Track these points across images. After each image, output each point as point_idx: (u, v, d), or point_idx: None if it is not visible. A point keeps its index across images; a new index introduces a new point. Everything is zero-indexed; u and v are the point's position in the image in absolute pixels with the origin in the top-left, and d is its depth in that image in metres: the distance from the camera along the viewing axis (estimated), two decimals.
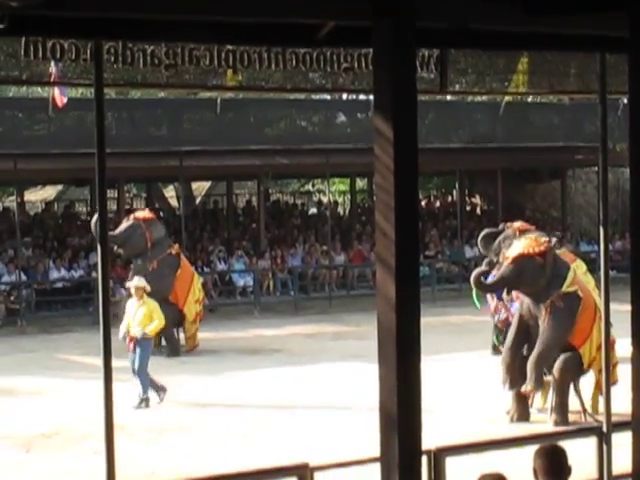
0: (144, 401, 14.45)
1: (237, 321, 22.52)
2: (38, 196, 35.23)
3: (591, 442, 7.60)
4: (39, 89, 29.34)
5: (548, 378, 13.12)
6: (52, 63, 6.07)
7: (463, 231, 28.56)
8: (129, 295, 15.80)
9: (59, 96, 20.19)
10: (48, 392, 15.45)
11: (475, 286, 13.88)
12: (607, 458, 7.46)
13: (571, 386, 13.11)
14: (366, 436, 8.62)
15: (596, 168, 24.29)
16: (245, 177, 31.98)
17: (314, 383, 15.74)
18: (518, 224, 16.00)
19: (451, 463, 6.98)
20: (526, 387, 12.99)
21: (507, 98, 27.31)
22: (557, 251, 14.16)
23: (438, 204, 34.30)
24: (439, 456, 6.88)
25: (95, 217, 16.61)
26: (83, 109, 23.81)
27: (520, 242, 13.71)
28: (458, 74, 7.15)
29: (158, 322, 14.99)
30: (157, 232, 19.72)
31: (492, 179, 30.07)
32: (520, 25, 6.15)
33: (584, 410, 13.02)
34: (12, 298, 23.16)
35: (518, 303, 13.79)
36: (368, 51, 6.55)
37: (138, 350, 14.56)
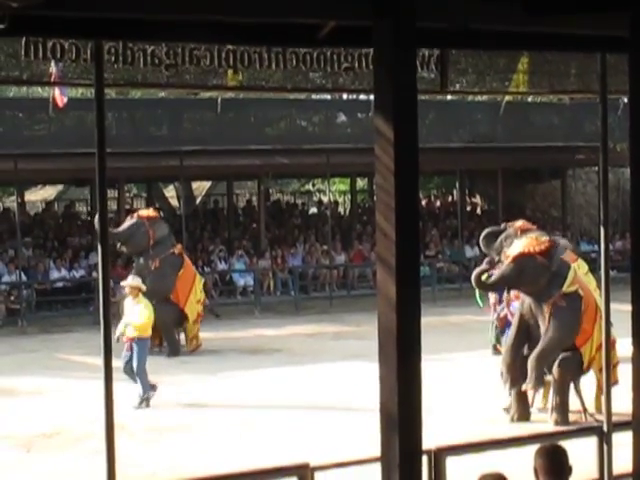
0: (144, 401, 14.44)
1: (238, 321, 22.51)
2: (38, 196, 35.22)
3: (592, 442, 7.60)
4: (39, 89, 29.34)
5: (549, 378, 13.12)
6: (52, 63, 6.07)
7: (463, 231, 28.55)
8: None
9: (59, 96, 20.19)
10: (49, 392, 15.45)
11: (476, 285, 13.87)
12: (608, 458, 7.47)
13: (572, 386, 13.12)
14: (366, 436, 8.64)
15: (596, 168, 24.26)
16: (245, 177, 31.97)
17: (314, 383, 15.74)
18: (520, 223, 16.00)
19: (451, 463, 6.98)
20: (526, 386, 12.99)
21: (507, 98, 27.32)
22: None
23: (438, 204, 34.31)
24: (439, 456, 6.89)
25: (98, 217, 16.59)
26: (83, 109, 23.81)
27: (521, 241, 13.71)
28: (458, 74, 7.15)
29: (144, 320, 14.70)
30: (160, 231, 19.72)
31: (492, 179, 30.07)
32: (520, 25, 6.15)
33: (585, 410, 13.02)
34: (12, 298, 23.15)
35: (518, 302, 13.80)
36: (368, 51, 6.55)
37: (135, 349, 14.49)
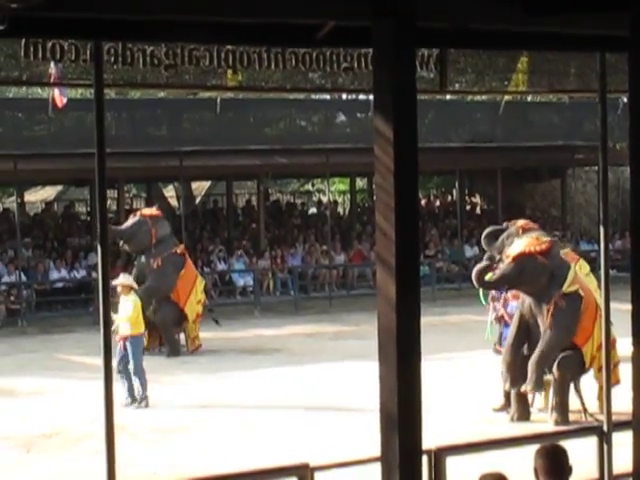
0: (144, 400, 14.43)
1: (237, 321, 22.50)
2: (38, 196, 35.20)
3: (592, 442, 7.59)
4: (39, 90, 29.30)
5: (549, 377, 13.12)
6: (52, 64, 6.07)
7: (463, 230, 28.56)
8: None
9: (59, 97, 20.20)
10: (48, 392, 15.45)
11: (476, 282, 13.86)
12: (608, 458, 7.46)
13: (572, 385, 13.11)
14: (366, 436, 8.64)
15: (596, 167, 24.28)
16: (245, 177, 31.97)
17: (314, 383, 15.74)
18: (522, 222, 15.97)
19: (451, 463, 6.98)
20: (526, 387, 12.99)
21: (507, 97, 27.30)
22: (560, 250, 14.15)
23: (438, 203, 34.31)
24: (439, 456, 6.88)
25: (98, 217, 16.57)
26: (83, 109, 23.84)
27: (521, 241, 13.70)
28: (458, 73, 7.15)
29: (130, 314, 14.65)
30: (163, 229, 19.74)
31: (492, 178, 30.08)
32: (520, 25, 6.15)
33: (585, 409, 13.02)
34: (12, 299, 23.16)
35: (518, 302, 13.79)
36: (368, 51, 6.55)
37: (130, 348, 14.47)
